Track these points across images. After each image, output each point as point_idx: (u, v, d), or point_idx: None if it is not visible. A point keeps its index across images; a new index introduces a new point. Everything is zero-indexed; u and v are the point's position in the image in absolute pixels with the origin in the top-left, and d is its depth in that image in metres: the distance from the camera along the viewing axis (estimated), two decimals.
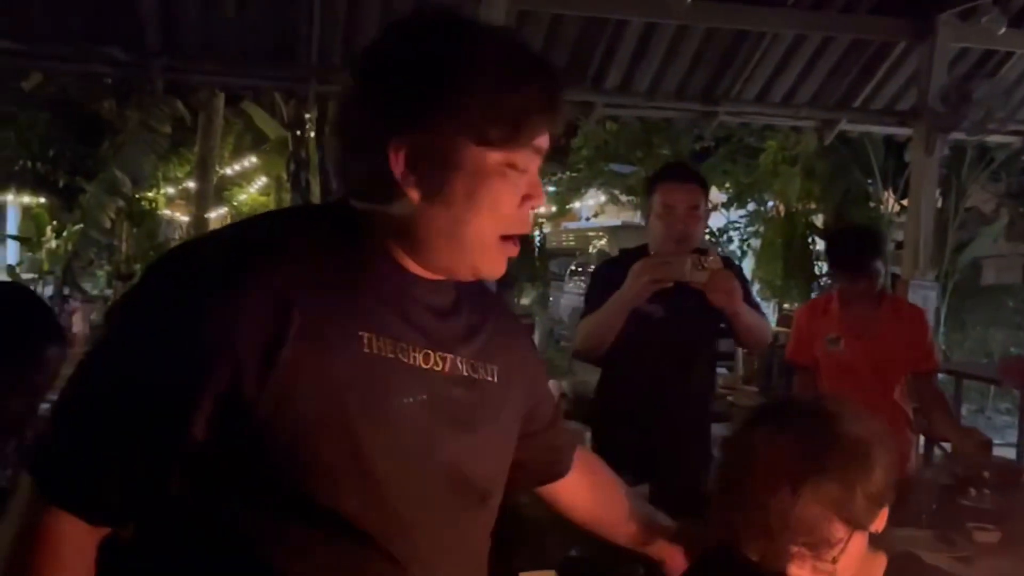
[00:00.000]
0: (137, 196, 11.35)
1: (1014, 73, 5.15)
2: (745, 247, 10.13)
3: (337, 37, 4.43)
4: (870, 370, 2.88)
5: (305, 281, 0.89)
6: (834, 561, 1.01)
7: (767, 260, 9.15)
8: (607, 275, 2.56)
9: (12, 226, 18.64)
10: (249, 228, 0.99)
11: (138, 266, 10.15)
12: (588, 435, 2.54)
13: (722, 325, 2.55)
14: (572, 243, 18.00)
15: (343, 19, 4.43)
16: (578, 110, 5.27)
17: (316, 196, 9.80)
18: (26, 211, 17.24)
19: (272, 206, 12.69)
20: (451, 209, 0.91)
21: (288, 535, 0.89)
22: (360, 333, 0.90)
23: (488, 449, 1.01)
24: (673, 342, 2.48)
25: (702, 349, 2.63)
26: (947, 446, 4.58)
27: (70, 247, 11.73)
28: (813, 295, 9.00)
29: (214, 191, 11.68)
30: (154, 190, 12.89)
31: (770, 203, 10.10)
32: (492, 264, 0.96)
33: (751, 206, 10.45)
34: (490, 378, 1.02)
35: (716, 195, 9.29)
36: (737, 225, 10.53)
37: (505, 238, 0.95)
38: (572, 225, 19.65)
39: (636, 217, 16.11)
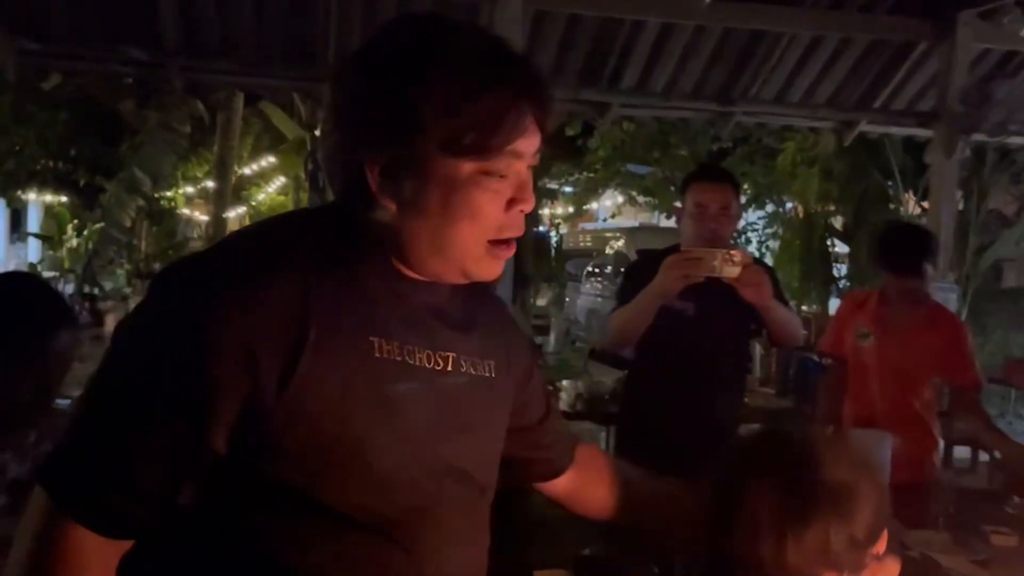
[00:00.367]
0: (156, 195, 11.46)
1: None
2: (763, 249, 10.08)
3: (354, 37, 4.45)
4: (893, 371, 2.85)
5: (317, 288, 0.89)
6: None
7: (785, 262, 9.09)
8: (640, 272, 2.57)
9: (33, 224, 18.86)
10: (258, 237, 0.99)
11: (157, 264, 10.24)
12: (603, 435, 2.54)
13: (752, 325, 2.55)
14: (589, 244, 17.98)
15: (360, 19, 4.45)
16: (595, 110, 5.26)
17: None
18: (47, 210, 17.44)
19: (291, 206, 12.76)
20: (429, 220, 0.91)
21: (302, 534, 0.89)
22: (371, 338, 0.91)
23: (486, 444, 1.03)
24: (704, 340, 2.49)
25: (733, 348, 2.63)
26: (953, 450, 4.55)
27: (90, 245, 11.86)
28: (832, 297, 8.95)
29: (232, 190, 11.77)
30: (173, 189, 13.01)
31: (788, 204, 10.05)
32: (483, 269, 0.96)
33: (769, 207, 10.41)
34: (488, 374, 1.03)
35: None
36: (755, 227, 10.49)
37: (496, 242, 0.94)
38: (589, 226, 19.64)
39: (653, 218, 16.10)
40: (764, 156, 9.63)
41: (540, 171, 11.24)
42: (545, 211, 13.87)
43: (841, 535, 0.97)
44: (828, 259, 9.21)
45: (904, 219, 8.00)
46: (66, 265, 14.78)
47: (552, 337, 10.01)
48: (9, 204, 18.85)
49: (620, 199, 14.52)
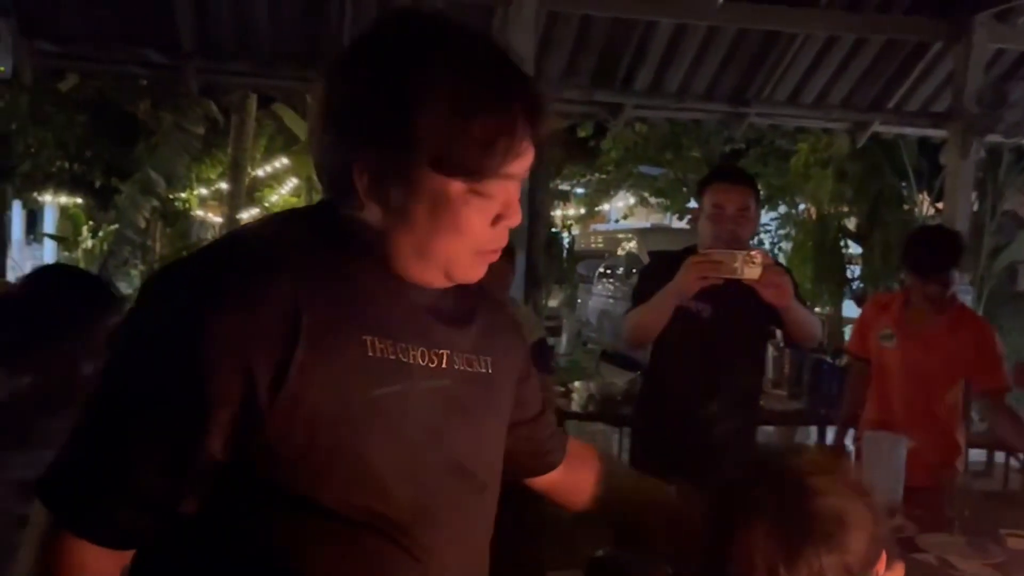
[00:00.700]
0: (171, 196, 11.51)
1: None
2: (776, 250, 10.04)
3: None
4: (916, 374, 2.83)
5: (309, 289, 0.89)
6: None
7: (798, 263, 9.05)
8: (655, 273, 2.56)
9: (49, 226, 18.99)
10: (247, 239, 0.98)
11: None
12: (615, 436, 2.53)
13: (769, 327, 2.54)
14: (601, 245, 17.94)
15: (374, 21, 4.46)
16: (607, 112, 5.26)
17: None
18: (63, 211, 17.55)
19: None
20: (415, 230, 0.90)
21: (301, 535, 0.89)
22: (363, 337, 0.91)
23: (486, 440, 1.03)
24: (720, 341, 2.47)
25: (749, 349, 2.61)
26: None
27: (105, 247, 11.92)
28: (845, 299, 8.91)
29: (246, 192, 11.82)
30: (187, 191, 13.07)
31: (801, 206, 10.01)
32: (467, 274, 0.95)
33: (782, 208, 10.36)
34: (484, 370, 1.02)
35: None
36: (768, 228, 10.45)
37: (478, 252, 0.94)
38: (601, 227, 19.61)
39: (665, 219, 16.06)
40: (777, 157, 9.59)
41: (552, 173, 11.25)
42: (557, 212, 13.86)
43: (835, 566, 0.96)
44: (841, 260, 9.16)
45: (919, 220, 7.96)
46: (81, 266, 14.89)
47: (564, 338, 10.01)
48: (25, 205, 18.99)
49: (632, 200, 14.50)
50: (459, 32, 0.91)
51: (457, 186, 0.88)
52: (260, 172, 14.24)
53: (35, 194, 15.09)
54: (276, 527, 0.89)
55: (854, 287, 9.01)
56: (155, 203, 9.79)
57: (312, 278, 0.90)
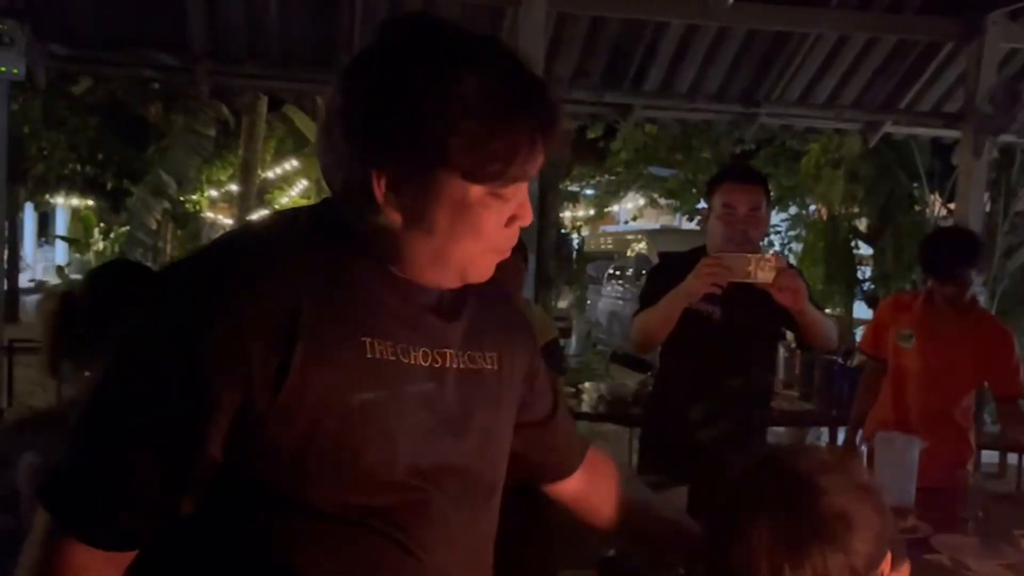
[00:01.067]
0: (181, 199, 11.57)
1: None
2: (786, 251, 10.01)
3: None
4: (933, 376, 2.82)
5: (308, 290, 0.89)
6: None
7: (809, 264, 9.02)
8: (663, 274, 2.54)
9: (60, 227, 19.12)
10: (248, 240, 0.99)
11: None
12: (626, 436, 2.52)
13: (780, 328, 2.52)
14: (610, 246, 17.93)
15: None
16: (617, 112, 5.26)
17: None
18: (74, 213, 17.66)
19: None
20: (433, 236, 0.91)
21: (301, 536, 0.90)
22: (362, 338, 0.91)
23: (490, 437, 1.03)
24: (731, 344, 2.45)
25: (759, 351, 2.58)
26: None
27: (116, 248, 11.98)
28: (856, 300, 8.87)
29: (256, 194, 11.86)
30: (198, 193, 13.13)
31: (812, 207, 9.97)
32: (480, 274, 0.97)
33: (793, 209, 10.33)
34: (490, 366, 1.02)
35: None
36: (778, 229, 10.42)
37: (491, 252, 0.96)
38: (610, 228, 19.59)
39: (675, 220, 16.04)
40: (788, 158, 9.56)
41: (562, 174, 11.24)
42: (566, 214, 13.86)
43: (840, 567, 0.96)
44: (852, 261, 9.12)
45: (931, 222, 7.93)
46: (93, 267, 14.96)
47: (573, 340, 10.00)
48: (37, 208, 19.12)
49: (641, 202, 14.47)
50: (473, 38, 0.92)
51: (477, 190, 0.89)
52: (270, 174, 14.30)
53: (47, 196, 15.18)
54: (274, 527, 0.89)
55: (865, 288, 8.97)
56: (166, 205, 9.84)
57: (312, 279, 0.90)
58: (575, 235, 13.43)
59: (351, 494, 0.90)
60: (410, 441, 0.93)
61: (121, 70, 4.92)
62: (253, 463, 0.88)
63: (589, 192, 14.66)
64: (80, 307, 1.61)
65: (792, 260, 9.65)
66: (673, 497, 1.68)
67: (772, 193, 9.81)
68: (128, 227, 10.41)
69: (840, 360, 4.54)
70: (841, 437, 3.54)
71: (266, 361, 0.85)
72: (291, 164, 14.23)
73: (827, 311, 8.31)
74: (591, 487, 1.24)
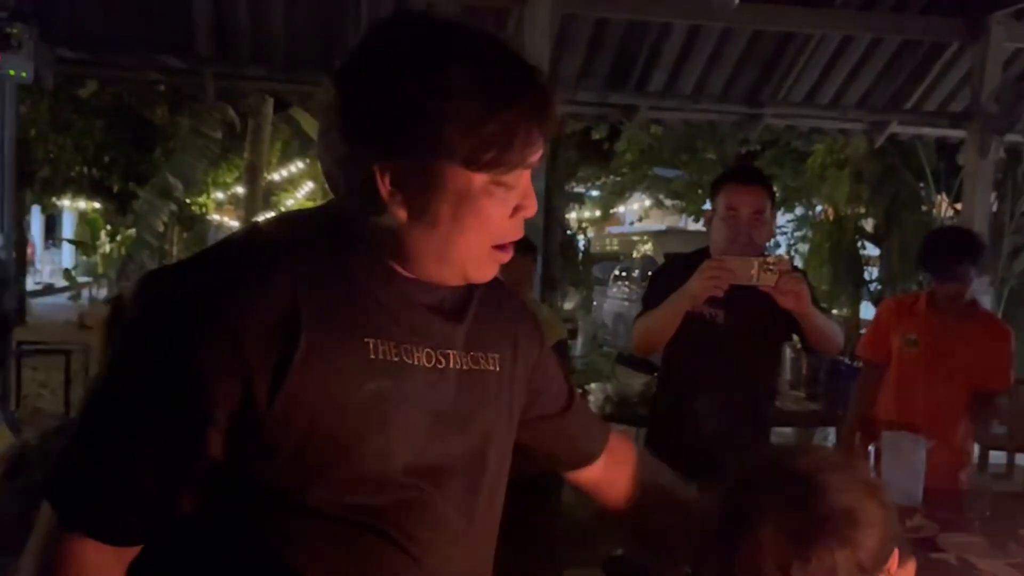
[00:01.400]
0: (187, 201, 11.60)
1: None
2: (792, 252, 10.01)
3: None
4: (940, 379, 2.80)
5: (310, 290, 0.89)
6: None
7: (815, 265, 9.02)
8: (664, 277, 2.52)
9: (67, 230, 19.19)
10: (247, 242, 0.99)
11: None
12: (633, 435, 2.52)
13: (785, 331, 2.49)
14: (616, 247, 17.95)
15: None
16: (622, 113, 5.26)
17: None
18: (81, 216, 17.73)
19: None
20: (439, 228, 0.91)
21: (301, 535, 0.90)
22: (366, 339, 0.91)
23: (491, 439, 1.03)
24: (735, 348, 2.42)
25: (764, 355, 2.56)
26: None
27: (123, 251, 12.02)
28: (863, 301, 8.86)
29: (262, 196, 11.89)
30: (203, 195, 13.17)
31: (818, 207, 9.97)
32: (482, 272, 0.97)
33: (798, 210, 10.32)
34: (492, 367, 1.02)
35: None
36: (784, 230, 10.41)
37: (497, 246, 0.95)
38: (616, 229, 19.62)
39: (681, 221, 16.04)
40: (793, 159, 9.56)
41: (567, 175, 11.25)
42: (572, 215, 13.87)
43: (848, 563, 0.96)
44: (859, 262, 9.11)
45: (937, 222, 7.91)
46: (100, 270, 15.02)
47: (579, 341, 10.00)
48: (43, 211, 19.19)
49: (647, 203, 14.48)
50: (464, 28, 0.92)
51: (480, 178, 0.90)
52: (276, 176, 14.34)
53: (54, 199, 15.24)
54: (273, 526, 0.90)
55: (871, 289, 8.96)
56: (173, 207, 9.87)
57: (314, 280, 0.91)
58: (581, 236, 13.43)
59: (350, 494, 0.90)
60: (411, 441, 0.93)
61: (128, 73, 4.94)
62: (253, 462, 0.88)
63: (594, 193, 14.67)
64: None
65: (798, 261, 9.66)
66: None
67: (777, 194, 9.78)
68: (134, 229, 10.44)
69: (847, 360, 4.54)
70: None
71: (266, 361, 0.86)
72: (297, 166, 14.27)
73: (834, 312, 8.32)
74: (612, 472, 1.25)
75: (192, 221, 13.09)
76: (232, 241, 1.01)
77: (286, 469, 0.88)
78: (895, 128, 5.33)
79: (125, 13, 4.41)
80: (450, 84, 0.87)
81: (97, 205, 15.72)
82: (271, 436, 0.87)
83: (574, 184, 12.95)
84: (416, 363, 0.94)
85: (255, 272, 0.89)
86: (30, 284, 15.30)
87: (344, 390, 0.89)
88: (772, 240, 10.01)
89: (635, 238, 16.99)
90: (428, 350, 0.96)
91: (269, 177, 13.29)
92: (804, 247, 9.94)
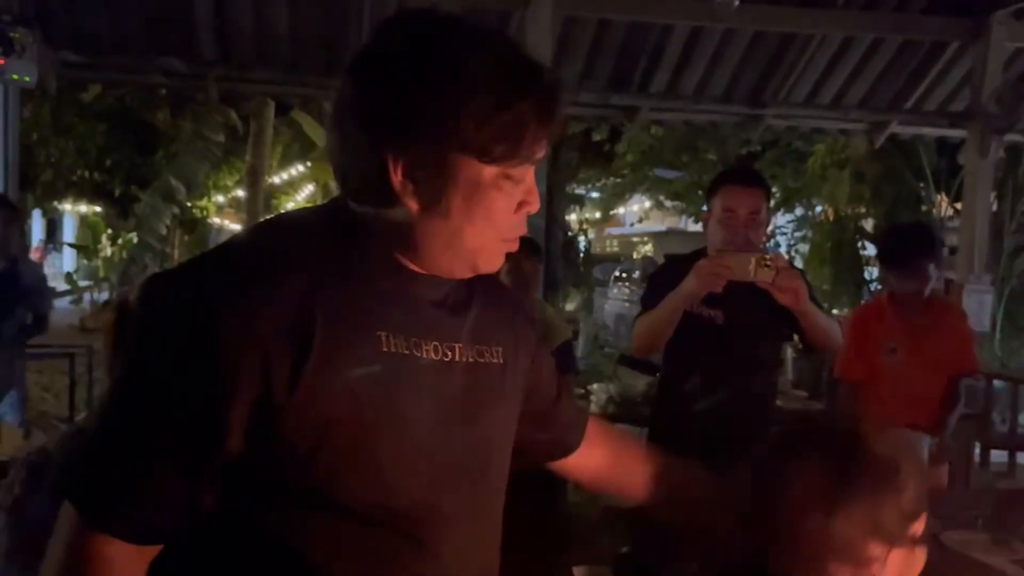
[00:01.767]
0: (189, 204, 11.62)
1: None
2: (793, 252, 10.01)
3: None
4: (925, 375, 2.82)
5: (324, 285, 0.90)
6: None
7: (816, 265, 9.03)
8: (663, 278, 2.53)
9: (68, 234, 19.21)
10: (261, 238, 1.00)
11: None
12: (636, 435, 2.51)
13: (784, 331, 2.50)
14: (616, 248, 17.95)
15: None
16: (623, 115, 5.28)
17: None
18: (82, 220, 17.74)
19: None
20: (448, 220, 0.93)
21: (314, 530, 0.91)
22: (378, 332, 0.92)
23: (496, 432, 1.04)
24: (735, 348, 2.42)
25: (764, 355, 2.56)
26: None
27: (124, 254, 12.03)
28: (864, 300, 8.86)
29: (263, 199, 11.90)
30: (204, 198, 13.19)
31: (819, 208, 9.97)
32: (491, 262, 0.98)
33: (799, 211, 10.33)
34: (497, 360, 1.03)
35: None
36: (784, 230, 10.42)
37: (502, 240, 0.97)
38: (616, 231, 19.62)
39: (681, 222, 16.05)
40: (794, 159, 9.57)
41: (568, 177, 11.26)
42: (572, 216, 13.88)
43: (891, 508, 0.98)
44: (859, 262, 9.12)
45: (937, 221, 7.92)
46: (101, 274, 15.03)
47: (581, 341, 10.00)
48: (44, 214, 19.21)
49: (647, 204, 14.49)
50: (476, 25, 0.95)
51: (490, 171, 0.92)
52: (276, 179, 14.35)
53: (55, 203, 15.25)
54: (288, 523, 0.91)
55: (872, 289, 8.97)
56: (175, 210, 9.89)
57: (327, 275, 0.92)
58: (582, 237, 13.45)
59: (365, 490, 0.91)
60: (422, 435, 0.95)
61: (131, 76, 4.95)
62: (270, 459, 0.89)
63: (595, 195, 14.68)
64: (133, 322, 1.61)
65: (799, 261, 9.67)
66: None
67: (778, 194, 9.78)
68: (135, 233, 10.46)
69: None
70: None
71: (284, 355, 0.87)
72: (297, 169, 14.27)
73: (834, 312, 8.33)
74: (599, 458, 1.26)
75: (193, 224, 13.11)
76: (245, 240, 1.02)
77: (302, 465, 0.89)
78: (896, 128, 5.35)
79: (128, 16, 4.42)
80: (467, 76, 0.89)
81: (98, 209, 15.74)
82: (289, 432, 0.88)
83: (575, 186, 12.97)
84: (425, 356, 0.95)
85: (271, 269, 0.90)
86: None
87: (358, 382, 0.90)
88: (772, 240, 10.02)
89: (635, 239, 17.01)
90: (436, 343, 0.97)
91: (270, 180, 13.30)
92: (805, 247, 9.95)
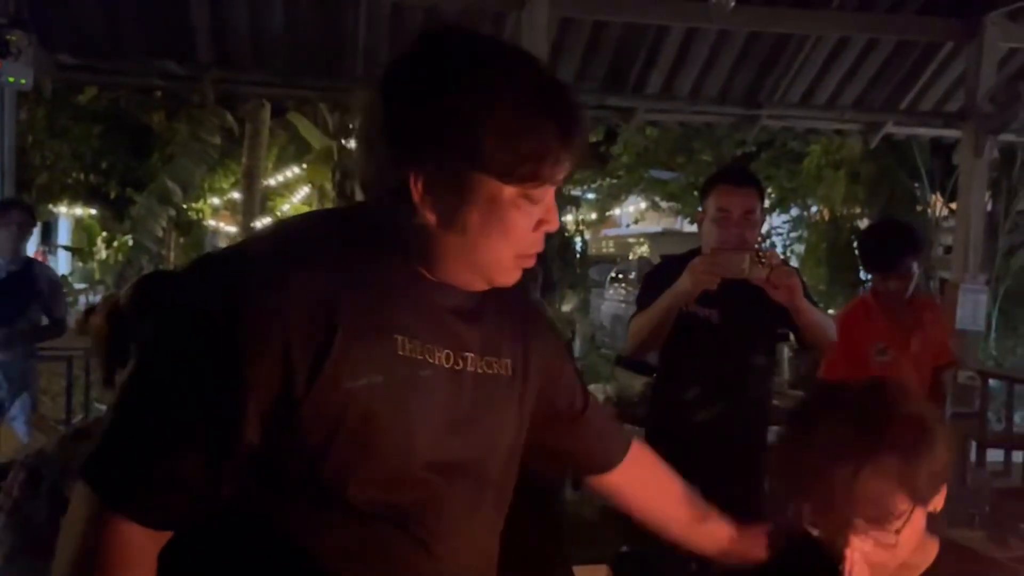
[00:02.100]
0: (185, 206, 11.61)
1: None
2: (788, 252, 10.04)
3: (382, 48, 4.52)
4: (915, 377, 2.84)
5: (345, 284, 0.92)
6: (898, 532, 1.02)
7: (811, 265, 9.06)
8: (659, 278, 2.53)
9: (63, 237, 19.15)
10: (285, 233, 1.02)
11: None
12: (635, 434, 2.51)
13: (780, 330, 2.50)
14: (612, 250, 17.96)
15: (387, 32, 4.51)
16: (619, 116, 5.29)
17: None
18: (77, 222, 17.70)
19: None
20: (466, 236, 0.94)
21: (323, 525, 0.92)
22: (395, 335, 0.94)
23: (500, 440, 1.06)
24: (730, 347, 2.42)
25: (760, 354, 2.56)
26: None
27: (120, 257, 12.01)
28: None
29: (258, 201, 11.89)
30: (200, 201, 13.18)
31: (814, 208, 10.00)
32: (506, 278, 1.00)
33: (794, 211, 10.36)
34: (505, 372, 1.04)
35: None
36: (780, 231, 10.45)
37: (519, 256, 0.99)
38: (612, 232, 19.63)
39: (677, 223, 16.07)
40: (789, 160, 9.60)
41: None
42: (568, 217, 13.90)
43: (921, 463, 0.99)
44: (854, 262, 9.13)
45: (932, 221, 7.95)
46: (97, 276, 15.00)
47: (577, 343, 10.01)
48: (40, 217, 19.14)
49: (643, 205, 14.51)
50: (504, 46, 0.97)
51: (510, 191, 0.93)
52: (271, 181, 14.33)
53: (50, 206, 15.20)
54: (297, 515, 0.92)
55: (867, 289, 8.99)
56: (172, 212, 9.88)
57: (349, 274, 0.94)
58: (578, 238, 13.46)
59: (371, 487, 0.93)
60: (428, 438, 0.96)
61: (128, 78, 4.95)
62: (285, 452, 0.90)
63: (591, 196, 14.70)
64: (128, 315, 1.61)
65: (794, 262, 9.69)
66: None
67: (774, 195, 9.79)
68: (131, 236, 10.44)
69: None
70: None
71: (305, 347, 0.88)
72: (292, 171, 14.26)
73: (830, 311, 8.34)
74: (636, 479, 1.27)
75: (189, 226, 13.09)
76: (274, 232, 1.05)
77: (316, 459, 0.90)
78: (891, 128, 5.37)
79: (124, 19, 4.42)
80: (492, 97, 0.90)
81: (93, 211, 15.70)
82: (303, 427, 0.89)
83: (571, 187, 12.98)
84: (437, 363, 0.97)
85: (294, 263, 0.92)
86: None
87: (373, 384, 0.92)
88: (768, 241, 10.03)
89: (631, 240, 17.02)
90: (448, 351, 0.98)
91: (265, 182, 13.29)
92: (800, 248, 9.97)
